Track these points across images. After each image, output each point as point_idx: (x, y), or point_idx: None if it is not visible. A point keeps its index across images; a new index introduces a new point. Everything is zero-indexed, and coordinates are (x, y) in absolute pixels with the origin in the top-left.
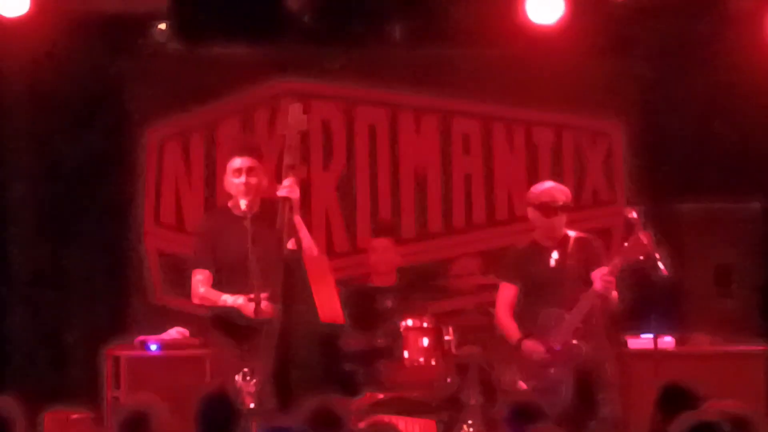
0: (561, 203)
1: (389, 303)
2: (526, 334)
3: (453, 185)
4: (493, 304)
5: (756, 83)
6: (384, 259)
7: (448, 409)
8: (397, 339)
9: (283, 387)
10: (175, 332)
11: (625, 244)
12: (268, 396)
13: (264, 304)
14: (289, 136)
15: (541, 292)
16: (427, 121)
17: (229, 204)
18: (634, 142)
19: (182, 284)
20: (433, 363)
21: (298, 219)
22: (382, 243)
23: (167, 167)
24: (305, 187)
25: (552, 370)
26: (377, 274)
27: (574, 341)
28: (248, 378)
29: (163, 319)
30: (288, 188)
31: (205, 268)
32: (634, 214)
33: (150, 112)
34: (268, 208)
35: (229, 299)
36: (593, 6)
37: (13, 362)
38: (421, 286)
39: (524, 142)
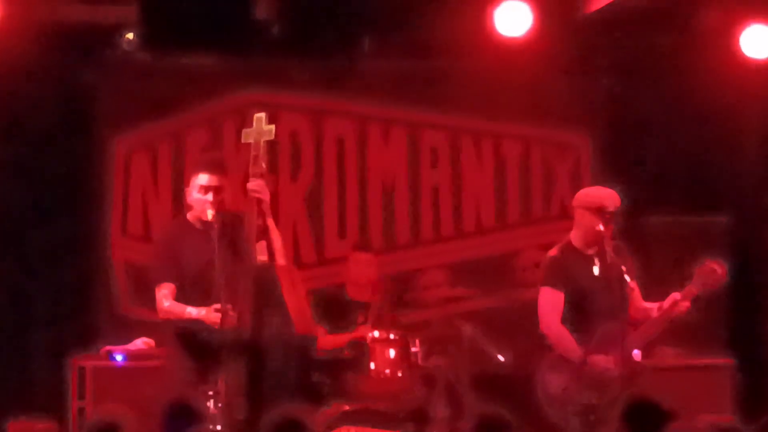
0: (614, 210)
1: (362, 317)
2: (581, 346)
3: (421, 197)
4: (460, 315)
5: (723, 97)
6: (365, 272)
7: (415, 420)
8: (364, 350)
9: (255, 398)
10: (140, 343)
11: (698, 270)
12: (239, 408)
13: (230, 315)
14: (255, 146)
15: (586, 302)
16: (395, 133)
17: (188, 216)
18: (601, 154)
19: (149, 295)
20: (400, 375)
21: (270, 222)
22: (365, 257)
23: (134, 177)
24: (273, 197)
25: (616, 384)
26: (354, 286)
27: (636, 359)
28: (214, 400)
29: (129, 330)
30: (258, 190)
31: (168, 281)
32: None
33: (117, 122)
34: (230, 220)
35: (193, 312)
36: (561, 19)
37: None
38: (392, 298)
39: (492, 154)
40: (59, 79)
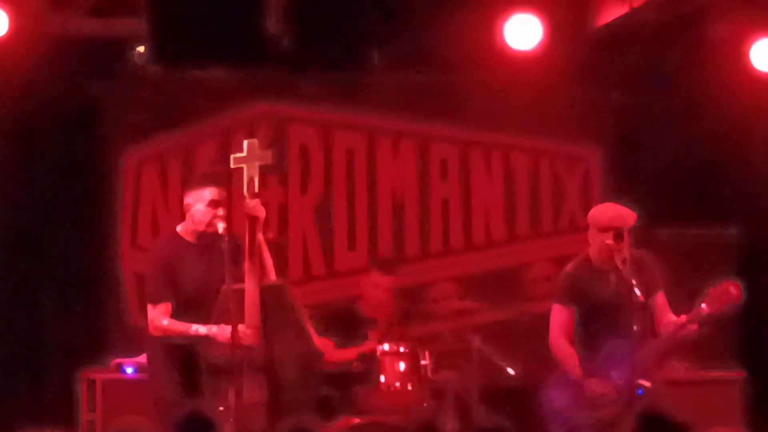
0: (630, 227)
1: (372, 334)
2: (587, 364)
3: (430, 210)
4: (470, 328)
5: (732, 109)
6: (376, 294)
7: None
8: (374, 363)
9: (274, 412)
10: None
11: (711, 290)
12: (258, 421)
13: (242, 331)
14: (250, 169)
15: (600, 318)
16: (404, 145)
17: (179, 230)
18: (610, 167)
19: None
20: (410, 388)
21: (262, 240)
22: (384, 281)
23: (144, 190)
24: (282, 210)
25: (611, 409)
26: (368, 306)
27: (641, 380)
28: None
29: (139, 342)
30: (255, 207)
31: (165, 302)
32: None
33: (128, 134)
34: (234, 239)
35: (201, 329)
36: (571, 33)
37: None
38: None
39: (502, 167)
40: (70, 92)
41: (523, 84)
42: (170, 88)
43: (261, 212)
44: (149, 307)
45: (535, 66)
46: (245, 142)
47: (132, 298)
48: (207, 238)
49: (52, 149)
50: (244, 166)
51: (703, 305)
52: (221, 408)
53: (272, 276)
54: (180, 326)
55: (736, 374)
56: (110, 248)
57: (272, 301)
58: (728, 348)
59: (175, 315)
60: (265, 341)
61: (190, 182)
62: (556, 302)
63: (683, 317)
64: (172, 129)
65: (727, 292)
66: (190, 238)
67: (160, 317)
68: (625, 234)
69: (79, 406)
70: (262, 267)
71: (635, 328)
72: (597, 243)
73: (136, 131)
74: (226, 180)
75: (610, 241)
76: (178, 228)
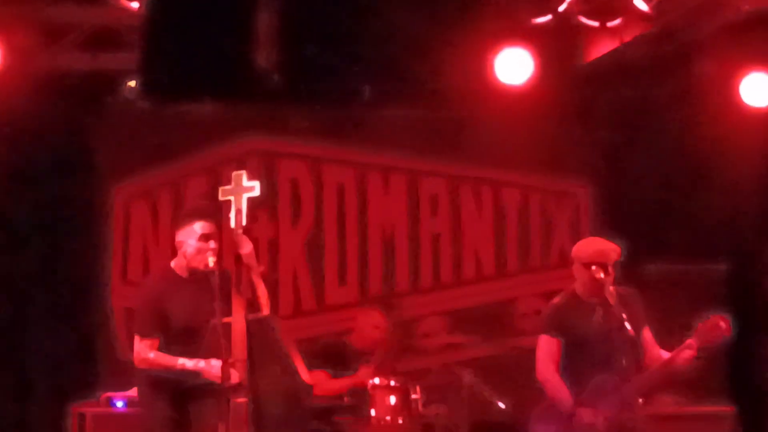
0: (613, 262)
1: (363, 367)
2: (574, 396)
3: (421, 245)
4: (460, 363)
5: (722, 145)
6: (370, 333)
7: None
8: (365, 397)
9: None
10: None
11: (700, 324)
12: None
13: (232, 369)
14: (237, 201)
15: (585, 351)
16: (395, 180)
17: (173, 265)
18: (600, 203)
19: None
20: (400, 422)
21: (256, 275)
22: (371, 318)
23: (135, 225)
24: (273, 244)
25: None
26: (361, 341)
27: (626, 412)
28: None
29: (129, 376)
30: (241, 242)
31: (152, 337)
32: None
33: (118, 169)
34: (223, 273)
35: (188, 363)
36: (561, 68)
37: None
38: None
39: (492, 202)
40: (60, 127)
41: (513, 119)
42: (161, 122)
43: (247, 247)
44: (136, 339)
45: (525, 101)
46: (233, 174)
47: (122, 333)
48: (199, 274)
49: (42, 185)
50: (232, 198)
51: (692, 340)
52: None
53: (266, 310)
54: (166, 360)
55: (725, 409)
56: (100, 283)
57: (259, 334)
58: (718, 383)
59: (165, 348)
60: (251, 375)
61: (180, 218)
62: (542, 333)
63: (673, 352)
64: (162, 164)
65: (716, 327)
66: (182, 273)
67: (146, 350)
68: (610, 268)
69: None
70: (257, 301)
71: (624, 362)
72: (581, 277)
73: (126, 166)
74: (216, 214)
75: (595, 276)
76: (172, 263)
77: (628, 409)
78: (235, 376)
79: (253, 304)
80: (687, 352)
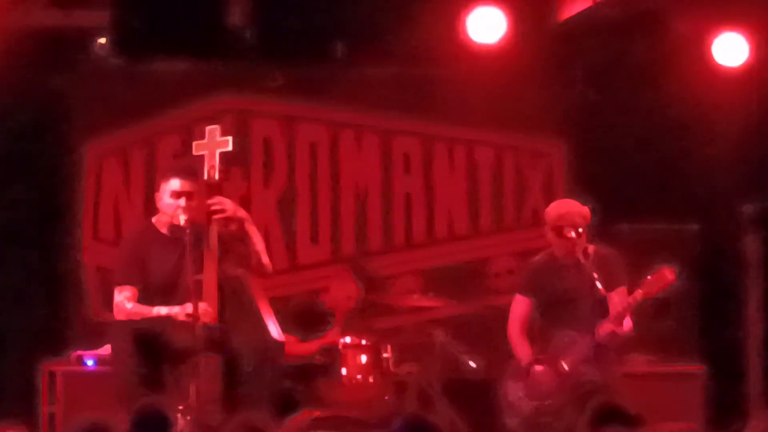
0: (581, 227)
1: (333, 327)
2: (539, 354)
3: (393, 204)
4: (432, 322)
5: (695, 105)
6: (344, 300)
7: (386, 427)
8: (336, 356)
9: (230, 405)
10: None
11: (649, 277)
12: (212, 415)
13: (203, 310)
14: (210, 157)
15: (557, 310)
16: (368, 139)
17: (154, 220)
18: (574, 162)
19: None
20: (371, 381)
21: (250, 227)
22: (347, 285)
23: (106, 183)
24: (245, 203)
25: (558, 394)
26: (332, 303)
27: (584, 368)
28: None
29: (100, 335)
30: (221, 208)
31: (131, 285)
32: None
33: (90, 127)
34: (198, 229)
35: (163, 310)
36: (534, 26)
37: None
38: (363, 306)
39: (465, 161)
40: (31, 85)
41: (486, 78)
42: (133, 80)
43: (228, 207)
44: (115, 291)
45: (498, 60)
46: (207, 129)
47: (94, 291)
48: (178, 231)
49: (12, 143)
50: (206, 153)
51: (640, 290)
52: (180, 407)
53: (265, 260)
54: (143, 309)
55: (696, 368)
56: (72, 241)
57: (230, 292)
58: (689, 342)
59: (142, 303)
60: (224, 333)
61: (159, 175)
62: (516, 292)
63: (622, 301)
64: (134, 122)
65: (662, 277)
66: (163, 230)
67: (125, 301)
68: (580, 230)
69: (39, 399)
70: (255, 253)
71: (595, 321)
72: (552, 239)
73: (98, 124)
74: (192, 171)
75: (566, 235)
76: (153, 219)
77: (589, 365)
78: (208, 316)
79: (250, 257)
80: (607, 325)
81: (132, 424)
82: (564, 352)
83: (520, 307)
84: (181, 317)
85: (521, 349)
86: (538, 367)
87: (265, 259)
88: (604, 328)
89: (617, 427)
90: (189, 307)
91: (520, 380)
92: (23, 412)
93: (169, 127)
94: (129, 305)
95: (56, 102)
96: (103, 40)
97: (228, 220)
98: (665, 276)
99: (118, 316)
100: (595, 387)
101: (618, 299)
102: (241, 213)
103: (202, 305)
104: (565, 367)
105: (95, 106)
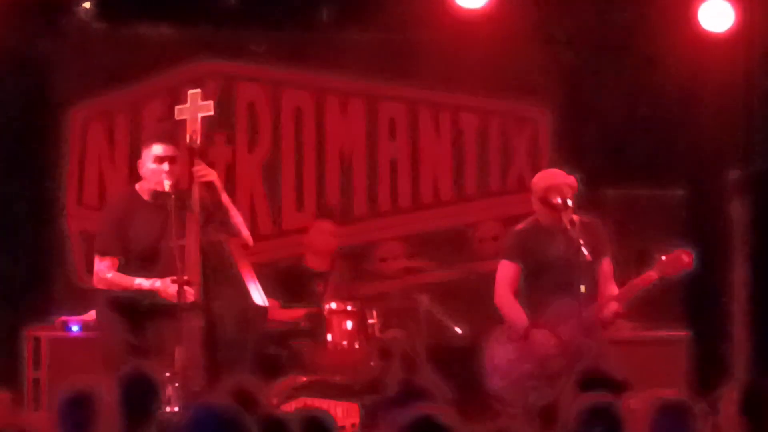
0: (569, 197)
1: (321, 287)
2: (532, 320)
3: (379, 169)
4: (418, 287)
5: (682, 71)
6: (324, 241)
7: (371, 392)
8: (321, 322)
9: (212, 370)
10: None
11: (663, 257)
12: (195, 380)
13: (189, 287)
14: (191, 122)
15: (544, 276)
16: (353, 104)
17: (137, 187)
18: (559, 128)
19: None
20: (357, 346)
21: (226, 198)
22: (325, 225)
23: (91, 148)
24: (230, 168)
25: (555, 362)
26: (314, 255)
27: (584, 338)
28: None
29: (85, 300)
30: (204, 173)
31: (112, 255)
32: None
33: (74, 91)
34: (182, 195)
35: (145, 283)
36: None
37: None
38: (350, 270)
39: (450, 126)
40: (15, 49)
41: (472, 43)
42: (117, 44)
43: (211, 175)
44: (96, 259)
45: (484, 25)
46: (189, 93)
47: (78, 257)
48: (161, 197)
49: None
50: (188, 117)
51: (653, 271)
52: (167, 374)
53: (245, 234)
54: (124, 280)
55: (681, 334)
56: (56, 206)
57: (213, 257)
58: (674, 308)
59: (125, 269)
60: (205, 297)
61: (142, 140)
62: (503, 258)
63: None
64: (119, 86)
65: (679, 260)
66: (146, 197)
67: (105, 270)
68: (566, 201)
69: (24, 365)
70: (232, 226)
71: (582, 287)
72: (539, 209)
73: (82, 88)
74: (175, 136)
75: (552, 201)
76: (137, 186)
77: (586, 334)
78: (190, 295)
79: (228, 226)
80: (613, 305)
81: (121, 390)
82: (564, 319)
83: (508, 272)
84: (163, 294)
85: (515, 313)
86: (538, 331)
87: (245, 232)
88: (610, 308)
89: (603, 393)
90: (169, 283)
91: (510, 343)
92: (8, 378)
93: (154, 92)
94: (109, 275)
95: (41, 66)
96: (87, 5)
97: (210, 184)
98: (681, 259)
99: (99, 285)
100: (591, 356)
101: (608, 269)
102: (219, 186)
103: (186, 279)
104: (565, 335)
105: (79, 70)
